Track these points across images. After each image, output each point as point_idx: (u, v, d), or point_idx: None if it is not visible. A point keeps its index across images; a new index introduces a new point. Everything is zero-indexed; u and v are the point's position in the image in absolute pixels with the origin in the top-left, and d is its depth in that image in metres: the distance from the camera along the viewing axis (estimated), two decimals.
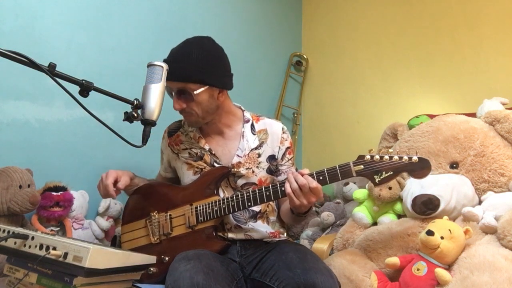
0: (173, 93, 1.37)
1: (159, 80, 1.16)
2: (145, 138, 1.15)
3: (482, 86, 2.24)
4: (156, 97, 1.15)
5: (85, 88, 1.02)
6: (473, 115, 1.83)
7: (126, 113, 1.12)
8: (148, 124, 1.14)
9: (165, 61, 1.35)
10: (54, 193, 1.58)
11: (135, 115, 1.12)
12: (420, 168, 1.20)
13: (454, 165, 1.67)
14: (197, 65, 1.33)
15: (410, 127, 1.93)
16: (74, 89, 1.01)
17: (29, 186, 1.47)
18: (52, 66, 0.97)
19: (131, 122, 1.13)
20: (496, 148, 1.62)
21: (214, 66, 1.36)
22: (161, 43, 2.08)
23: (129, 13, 1.96)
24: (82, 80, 1.02)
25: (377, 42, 2.67)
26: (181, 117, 1.59)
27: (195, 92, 1.33)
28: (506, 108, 1.79)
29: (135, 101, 1.13)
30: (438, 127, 1.76)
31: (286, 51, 2.91)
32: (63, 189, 1.62)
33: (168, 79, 1.31)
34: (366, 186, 1.83)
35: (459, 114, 1.82)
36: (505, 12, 2.21)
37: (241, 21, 2.56)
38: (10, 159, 1.54)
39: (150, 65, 1.19)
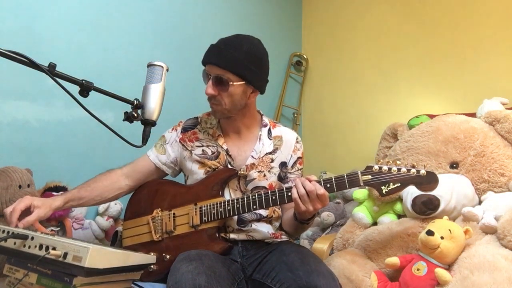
0: (210, 78, 1.35)
1: (159, 80, 1.16)
2: (145, 138, 1.15)
3: (482, 86, 2.24)
4: (156, 97, 1.15)
5: (85, 88, 1.02)
6: (473, 115, 1.83)
7: (126, 113, 1.12)
8: (148, 124, 1.14)
9: (212, 45, 1.37)
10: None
11: (135, 115, 1.12)
12: (427, 182, 1.21)
13: (454, 165, 1.67)
14: (244, 59, 1.33)
15: (410, 127, 1.93)
16: (74, 89, 1.01)
17: (28, 186, 1.47)
18: (52, 66, 0.97)
19: (131, 122, 1.13)
20: (496, 148, 1.62)
21: (258, 66, 1.38)
22: (161, 43, 2.09)
23: (129, 13, 1.96)
24: (82, 80, 1.02)
25: (377, 42, 2.67)
26: (178, 116, 1.59)
27: (232, 83, 1.33)
28: (506, 108, 1.79)
29: (135, 101, 1.13)
30: (438, 127, 1.75)
31: (286, 51, 2.91)
32: (64, 189, 1.62)
33: (211, 62, 1.34)
34: (366, 187, 1.83)
35: (459, 114, 1.82)
36: (505, 12, 2.21)
37: (241, 21, 2.56)
38: (10, 159, 1.54)
39: (150, 65, 1.19)
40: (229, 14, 2.48)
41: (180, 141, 1.51)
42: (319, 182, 1.24)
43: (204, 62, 1.37)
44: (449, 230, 1.37)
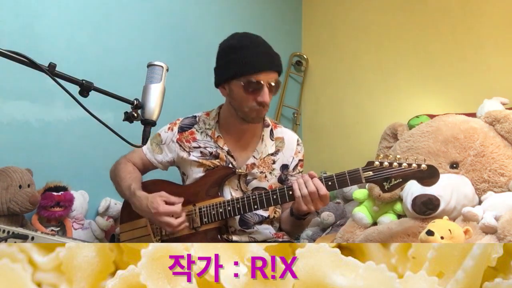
0: (265, 86, 1.32)
1: (159, 80, 1.16)
2: (145, 138, 1.14)
3: (482, 86, 2.24)
4: (156, 97, 1.15)
5: (85, 88, 1.02)
6: (473, 115, 1.82)
7: (126, 113, 1.12)
8: (148, 124, 1.14)
9: (258, 51, 1.37)
10: (55, 193, 1.59)
11: (135, 115, 1.12)
12: (429, 176, 1.19)
13: (454, 165, 1.67)
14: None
15: (410, 127, 1.93)
16: (74, 89, 1.01)
17: (29, 186, 1.47)
18: (52, 66, 0.97)
19: (131, 122, 1.13)
20: (496, 148, 1.62)
21: None
22: (161, 43, 2.09)
23: (129, 13, 1.96)
24: (82, 80, 1.02)
25: (377, 42, 2.67)
26: (178, 116, 1.57)
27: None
28: (506, 108, 1.79)
29: (135, 101, 1.13)
30: (438, 127, 1.75)
31: (286, 51, 2.91)
32: (64, 189, 1.62)
33: (270, 69, 1.34)
34: (366, 186, 1.82)
35: (459, 114, 1.82)
36: (505, 13, 2.21)
37: (241, 21, 2.56)
38: (10, 159, 1.54)
39: (150, 65, 1.19)
40: (229, 14, 2.48)
41: (177, 141, 1.48)
42: (320, 179, 1.23)
43: (260, 70, 1.31)
44: (449, 230, 1.36)
